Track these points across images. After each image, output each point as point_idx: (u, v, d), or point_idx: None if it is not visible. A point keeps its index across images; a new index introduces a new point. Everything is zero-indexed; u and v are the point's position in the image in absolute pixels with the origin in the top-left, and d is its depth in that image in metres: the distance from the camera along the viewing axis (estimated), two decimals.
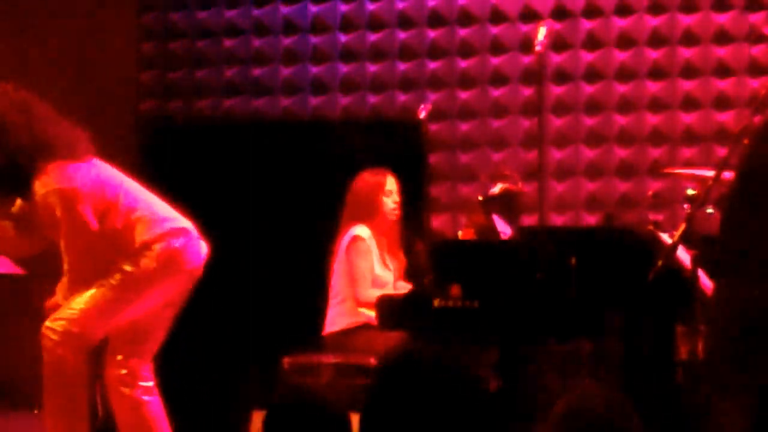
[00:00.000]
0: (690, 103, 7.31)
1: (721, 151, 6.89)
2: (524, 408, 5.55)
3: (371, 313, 6.49)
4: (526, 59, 7.43)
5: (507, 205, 6.30)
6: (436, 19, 7.66)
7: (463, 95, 7.62)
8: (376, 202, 6.61)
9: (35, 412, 6.46)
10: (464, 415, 2.88)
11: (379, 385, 2.94)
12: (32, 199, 5.01)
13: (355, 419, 3.10)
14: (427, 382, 2.89)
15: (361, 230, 6.57)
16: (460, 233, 6.73)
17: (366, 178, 6.67)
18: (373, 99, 7.73)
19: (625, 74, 7.38)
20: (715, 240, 3.67)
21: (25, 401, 6.90)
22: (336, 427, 3.27)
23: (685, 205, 5.25)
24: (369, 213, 6.62)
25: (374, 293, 6.51)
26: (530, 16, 7.44)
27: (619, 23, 7.40)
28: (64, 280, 5.26)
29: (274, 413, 3.31)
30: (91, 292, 5.15)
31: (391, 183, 6.67)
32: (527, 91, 7.47)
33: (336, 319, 6.60)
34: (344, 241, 6.59)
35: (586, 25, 7.44)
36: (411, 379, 2.90)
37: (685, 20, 7.32)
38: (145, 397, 5.35)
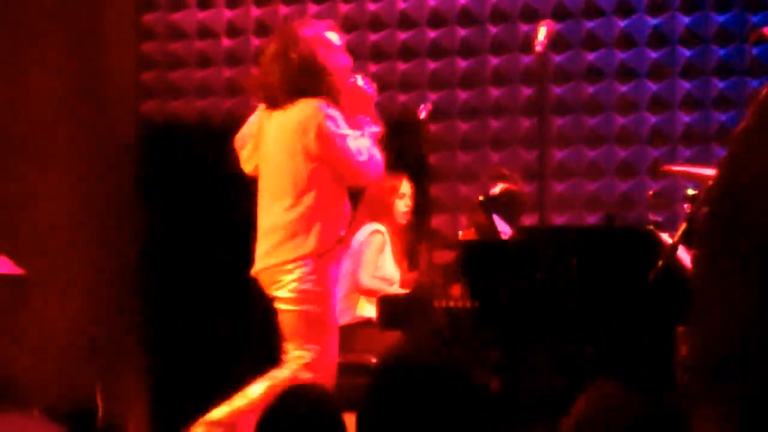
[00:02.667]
0: (690, 103, 7.31)
1: (721, 151, 6.89)
2: (524, 408, 5.54)
3: (372, 308, 6.51)
4: (526, 59, 7.43)
5: (507, 205, 6.30)
6: (436, 19, 7.66)
7: (463, 95, 7.61)
8: (388, 204, 6.67)
9: (35, 412, 6.46)
10: (464, 416, 2.88)
11: (377, 386, 2.94)
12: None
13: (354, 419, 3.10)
14: (425, 382, 2.89)
15: (380, 226, 6.64)
16: (460, 233, 6.74)
17: (382, 180, 6.72)
18: None
19: (625, 74, 7.38)
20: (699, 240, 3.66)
21: (25, 401, 6.90)
22: (330, 426, 3.28)
23: (685, 205, 5.25)
24: (381, 214, 6.69)
25: (375, 283, 6.55)
26: (530, 16, 7.44)
27: (619, 23, 7.40)
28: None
29: (268, 413, 3.32)
30: None
31: (405, 186, 6.73)
32: (527, 91, 7.47)
33: (339, 315, 6.62)
34: (360, 234, 6.63)
35: (587, 24, 7.44)
36: (409, 380, 2.90)
37: (685, 20, 7.32)
38: None
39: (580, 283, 5.85)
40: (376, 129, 5.50)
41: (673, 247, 4.80)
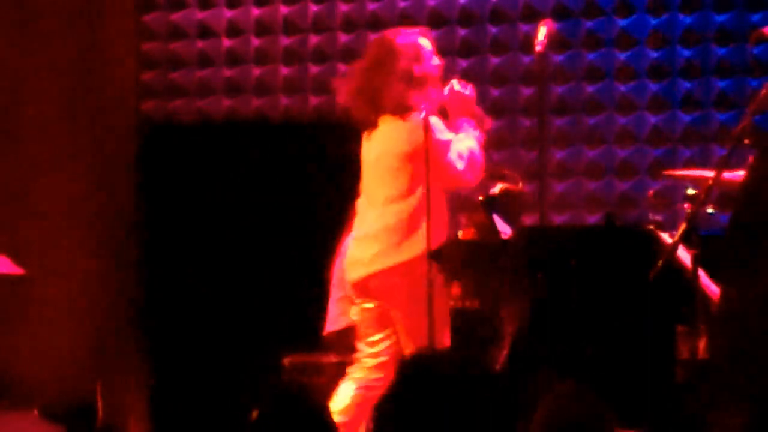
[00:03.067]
0: (690, 103, 7.30)
1: (721, 151, 6.89)
2: (525, 408, 5.53)
3: None
4: (526, 59, 7.43)
5: (507, 205, 6.30)
6: (436, 19, 7.65)
7: None
8: None
9: (35, 412, 6.46)
10: (484, 410, 2.89)
11: (401, 384, 2.95)
12: None
13: None
14: (447, 379, 2.91)
15: None
16: (460, 233, 6.73)
17: None
18: None
19: (625, 74, 7.38)
20: (725, 242, 3.67)
21: (25, 401, 6.90)
22: (316, 423, 3.29)
23: (685, 205, 5.25)
24: None
25: None
26: (530, 16, 7.43)
27: (619, 23, 7.40)
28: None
29: (263, 413, 3.33)
30: None
31: None
32: (527, 91, 7.46)
33: (336, 317, 6.61)
34: (349, 238, 6.61)
35: (587, 24, 7.43)
36: (432, 378, 2.92)
37: (685, 20, 7.31)
38: None
39: (580, 283, 5.85)
40: (478, 133, 5.59)
41: (673, 247, 4.80)
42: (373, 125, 5.61)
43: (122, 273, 7.80)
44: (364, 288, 5.61)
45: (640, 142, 7.36)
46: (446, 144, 5.46)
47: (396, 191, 5.50)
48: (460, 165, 5.43)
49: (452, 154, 5.46)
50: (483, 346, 5.83)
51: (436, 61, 5.69)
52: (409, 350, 5.53)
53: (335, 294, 6.66)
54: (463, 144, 5.51)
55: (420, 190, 5.46)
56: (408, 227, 5.47)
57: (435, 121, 5.49)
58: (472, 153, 5.51)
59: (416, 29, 5.78)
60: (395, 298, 5.54)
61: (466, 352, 5.56)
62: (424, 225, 5.46)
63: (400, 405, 2.94)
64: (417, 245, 5.46)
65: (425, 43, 5.67)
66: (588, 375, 5.57)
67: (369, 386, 5.52)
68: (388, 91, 5.53)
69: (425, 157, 5.40)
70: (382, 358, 5.58)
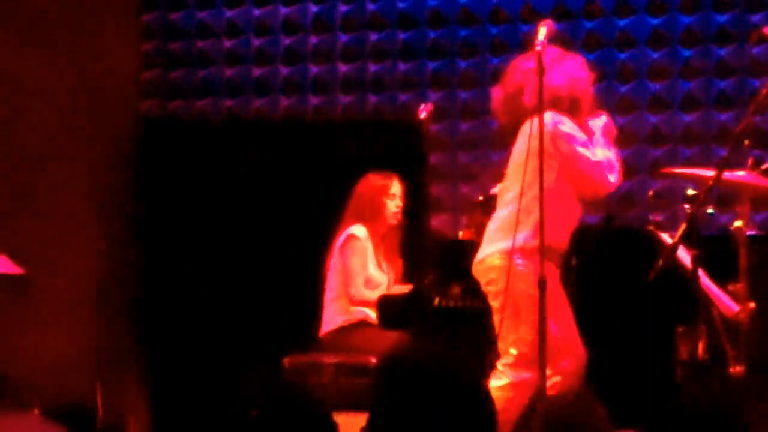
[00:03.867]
0: (690, 103, 7.30)
1: (721, 151, 6.89)
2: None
3: (367, 311, 6.51)
4: None
5: None
6: (436, 19, 7.66)
7: (463, 95, 7.61)
8: (378, 205, 6.64)
9: (35, 412, 6.46)
10: (466, 415, 2.88)
11: (382, 386, 2.95)
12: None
13: (356, 419, 3.11)
14: (428, 381, 2.90)
15: (358, 230, 6.61)
16: (460, 233, 6.73)
17: (372, 180, 6.71)
18: (373, 99, 7.73)
19: (625, 74, 7.38)
20: None
21: (25, 401, 6.90)
22: (316, 423, 3.29)
23: (685, 205, 5.26)
24: (370, 214, 6.65)
25: (367, 294, 6.53)
26: (530, 16, 7.43)
27: (619, 23, 7.40)
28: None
29: (263, 413, 3.33)
30: None
31: (396, 187, 6.70)
32: None
33: (332, 317, 6.62)
34: (340, 239, 6.63)
35: (587, 24, 7.44)
36: (414, 379, 2.91)
37: (685, 20, 7.32)
38: None
39: (580, 283, 5.85)
40: (615, 152, 5.58)
41: (674, 247, 4.80)
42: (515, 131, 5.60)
43: (122, 273, 7.81)
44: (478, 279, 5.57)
45: (640, 142, 7.36)
46: (575, 137, 5.39)
47: (512, 191, 5.45)
48: (593, 158, 5.36)
49: (587, 151, 5.41)
50: (484, 345, 5.83)
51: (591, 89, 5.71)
52: (503, 354, 5.42)
53: (329, 294, 6.67)
54: (602, 152, 5.47)
55: (537, 187, 5.35)
56: (513, 219, 5.36)
57: (562, 118, 5.44)
58: (608, 159, 5.46)
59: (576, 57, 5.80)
60: (489, 291, 5.48)
61: (463, 353, 5.55)
62: (530, 221, 5.35)
63: (388, 408, 2.93)
64: (517, 236, 5.32)
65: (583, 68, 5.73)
66: (588, 375, 5.57)
67: (512, 385, 5.39)
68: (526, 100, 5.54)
69: (555, 148, 5.36)
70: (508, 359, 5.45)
